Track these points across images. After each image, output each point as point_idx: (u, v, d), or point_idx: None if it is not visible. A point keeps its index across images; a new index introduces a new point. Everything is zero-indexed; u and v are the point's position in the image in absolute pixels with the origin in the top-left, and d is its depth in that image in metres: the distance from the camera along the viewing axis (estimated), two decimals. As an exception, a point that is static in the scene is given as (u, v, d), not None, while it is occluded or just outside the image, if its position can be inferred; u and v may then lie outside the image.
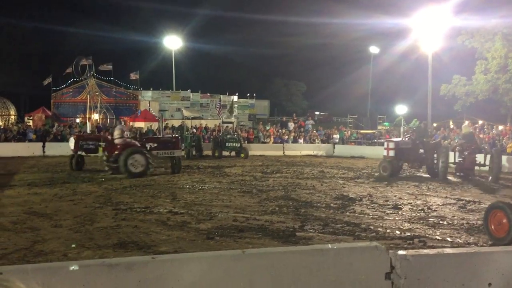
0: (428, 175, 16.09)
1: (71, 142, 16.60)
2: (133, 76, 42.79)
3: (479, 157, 15.92)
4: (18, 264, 5.21)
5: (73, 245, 6.10)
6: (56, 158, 20.85)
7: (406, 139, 17.35)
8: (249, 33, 61.43)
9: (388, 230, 7.41)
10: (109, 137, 16.95)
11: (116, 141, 15.20)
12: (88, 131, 18.60)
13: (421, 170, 17.00)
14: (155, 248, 6.13)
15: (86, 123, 29.85)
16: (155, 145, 15.73)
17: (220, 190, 11.65)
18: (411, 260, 3.18)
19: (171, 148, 16.07)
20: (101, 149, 16.01)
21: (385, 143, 16.81)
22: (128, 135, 16.00)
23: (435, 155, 15.95)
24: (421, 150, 16.43)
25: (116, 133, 15.53)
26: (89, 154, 16.49)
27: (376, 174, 16.21)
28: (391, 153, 16.10)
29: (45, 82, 38.99)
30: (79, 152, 16.31)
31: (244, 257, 3.03)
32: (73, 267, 2.63)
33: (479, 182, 14.92)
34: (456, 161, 15.98)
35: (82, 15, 61.67)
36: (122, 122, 17.03)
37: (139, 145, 15.25)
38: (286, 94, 66.35)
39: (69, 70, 38.63)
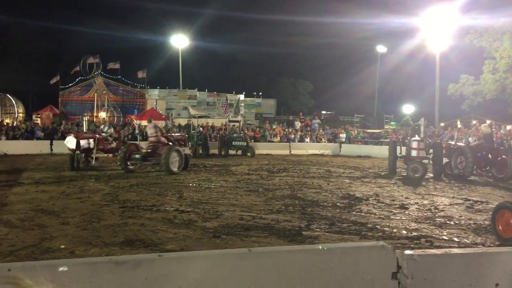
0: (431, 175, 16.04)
1: (69, 141, 16.44)
2: (140, 74, 42.95)
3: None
4: (26, 261, 5.24)
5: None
6: (63, 156, 20.88)
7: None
8: (256, 32, 61.48)
9: (394, 230, 7.39)
10: (98, 136, 17.08)
11: (151, 139, 15.70)
12: (84, 129, 18.83)
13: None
14: (162, 246, 6.15)
15: (92, 121, 30.03)
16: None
17: (227, 189, 11.67)
18: (418, 260, 3.17)
19: (181, 146, 16.41)
20: (95, 148, 16.19)
21: (414, 143, 15.85)
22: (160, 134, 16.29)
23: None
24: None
25: (151, 131, 15.82)
26: (83, 153, 16.56)
27: (389, 176, 16.12)
28: (422, 153, 15.57)
29: (52, 81, 39.23)
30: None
31: (250, 255, 3.03)
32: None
33: (487, 182, 14.85)
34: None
35: (90, 14, 62.05)
36: (152, 121, 17.38)
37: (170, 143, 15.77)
38: (292, 93, 66.30)
39: (77, 68, 38.87)
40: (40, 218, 7.77)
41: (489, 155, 15.72)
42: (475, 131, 25.76)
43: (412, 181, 14.51)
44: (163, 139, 15.89)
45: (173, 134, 18.47)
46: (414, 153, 15.67)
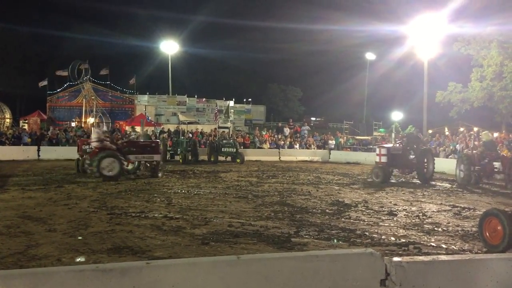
0: (419, 181, 16.15)
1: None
2: (132, 81, 42.94)
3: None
4: (12, 268, 5.17)
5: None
6: (51, 162, 20.80)
7: (397, 145, 17.42)
8: (246, 39, 61.42)
9: (383, 237, 7.41)
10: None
11: (93, 144, 15.27)
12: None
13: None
14: (150, 253, 6.10)
15: (83, 127, 29.97)
16: (134, 149, 15.74)
17: (216, 195, 11.63)
18: (406, 267, 3.18)
19: (150, 153, 16.03)
20: None
21: (377, 149, 17.00)
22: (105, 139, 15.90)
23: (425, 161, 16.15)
24: (412, 156, 16.47)
25: (93, 136, 15.55)
26: None
27: (369, 180, 16.24)
28: (383, 159, 16.22)
29: (41, 84, 38.92)
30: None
31: (239, 263, 3.02)
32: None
33: (482, 189, 14.92)
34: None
35: (79, 19, 61.60)
36: (101, 125, 17.36)
37: (114, 148, 15.10)
38: (282, 99, 66.39)
39: (62, 73, 38.56)
40: (27, 225, 7.68)
41: (494, 163, 15.58)
42: (462, 138, 25.99)
43: (402, 188, 14.58)
44: (107, 143, 15.19)
45: (144, 140, 18.37)
46: (377, 158, 16.46)
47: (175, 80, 51.37)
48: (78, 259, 5.74)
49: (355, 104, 58.44)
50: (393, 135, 17.54)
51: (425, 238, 7.45)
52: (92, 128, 16.85)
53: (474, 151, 17.27)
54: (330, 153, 28.90)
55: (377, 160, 16.43)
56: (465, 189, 14.64)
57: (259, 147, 29.10)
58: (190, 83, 58.46)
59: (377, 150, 16.96)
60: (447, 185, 16.04)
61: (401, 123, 48.22)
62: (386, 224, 8.46)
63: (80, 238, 6.81)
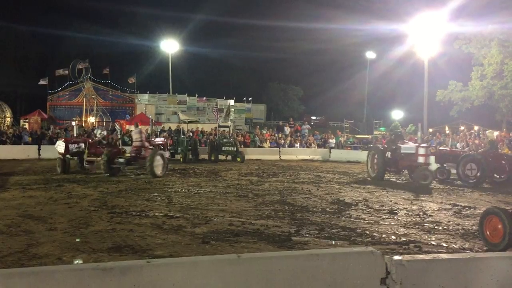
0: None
1: (59, 145, 16.68)
2: (131, 80, 42.94)
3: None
4: (13, 267, 5.17)
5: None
6: (51, 161, 20.72)
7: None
8: (246, 37, 61.33)
9: (383, 235, 7.41)
10: (91, 140, 17.19)
11: (136, 144, 15.92)
12: (75, 134, 19.38)
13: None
14: (150, 252, 6.11)
15: (81, 126, 30.03)
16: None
17: (216, 194, 11.63)
18: (407, 265, 3.18)
19: (162, 150, 16.84)
20: (86, 152, 16.28)
21: (421, 149, 15.42)
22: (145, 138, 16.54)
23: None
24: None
25: (137, 136, 16.05)
26: (74, 157, 16.74)
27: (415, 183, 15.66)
28: (430, 159, 15.66)
29: (41, 83, 38.98)
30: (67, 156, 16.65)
31: (239, 261, 3.02)
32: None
33: (483, 187, 14.92)
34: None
35: (80, 18, 61.50)
36: (138, 124, 17.57)
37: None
38: (282, 98, 66.41)
39: (62, 72, 38.60)
40: (27, 224, 7.68)
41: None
42: (463, 137, 25.99)
43: (403, 186, 14.58)
44: (147, 143, 16.20)
45: (154, 139, 18.64)
46: (421, 159, 15.22)
47: (176, 79, 51.43)
48: (75, 262, 5.75)
49: (355, 103, 58.51)
50: (419, 134, 16.90)
51: (426, 236, 7.45)
52: (133, 127, 17.16)
53: (479, 150, 17.28)
54: (330, 152, 28.87)
55: (421, 161, 15.07)
56: (472, 188, 14.61)
57: (259, 146, 29.07)
58: (191, 82, 58.49)
59: (420, 150, 15.23)
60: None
61: (401, 122, 48.26)
62: (386, 223, 8.46)
63: (77, 240, 6.79)
